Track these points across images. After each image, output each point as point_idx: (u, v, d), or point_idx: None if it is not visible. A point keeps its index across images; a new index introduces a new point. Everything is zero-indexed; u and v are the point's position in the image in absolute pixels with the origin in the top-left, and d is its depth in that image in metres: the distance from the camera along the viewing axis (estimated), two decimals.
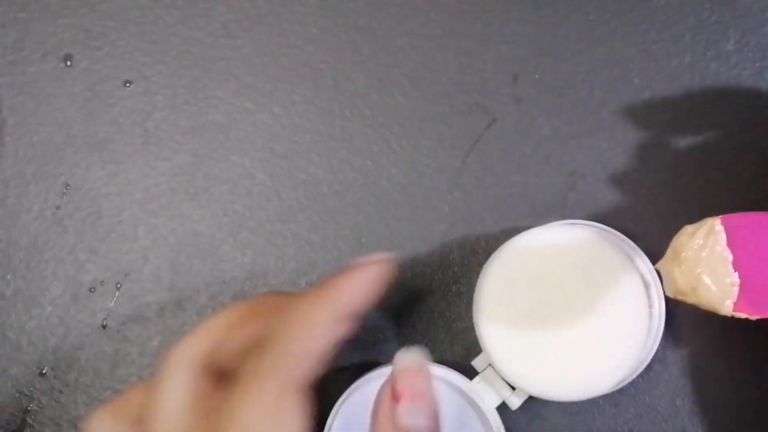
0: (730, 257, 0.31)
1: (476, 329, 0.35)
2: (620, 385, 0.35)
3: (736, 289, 0.31)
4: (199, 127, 0.39)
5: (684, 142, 0.38)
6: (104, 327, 0.39)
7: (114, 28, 0.40)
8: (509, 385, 0.35)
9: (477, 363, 0.36)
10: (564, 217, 0.38)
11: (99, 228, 0.39)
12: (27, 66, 0.40)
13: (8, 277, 0.39)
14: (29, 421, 0.38)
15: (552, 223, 0.36)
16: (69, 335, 0.38)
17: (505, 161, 0.39)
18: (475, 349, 0.36)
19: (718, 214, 0.31)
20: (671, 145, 0.38)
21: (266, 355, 0.29)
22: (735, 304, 0.31)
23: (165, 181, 0.39)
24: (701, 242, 0.31)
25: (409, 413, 0.29)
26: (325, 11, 0.40)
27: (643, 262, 0.35)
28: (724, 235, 0.31)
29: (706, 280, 0.31)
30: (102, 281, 0.39)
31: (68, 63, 0.40)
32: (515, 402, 0.35)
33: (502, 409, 0.35)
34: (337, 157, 0.39)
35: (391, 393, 0.29)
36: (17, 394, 0.38)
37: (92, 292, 0.39)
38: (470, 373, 0.36)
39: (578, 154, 0.38)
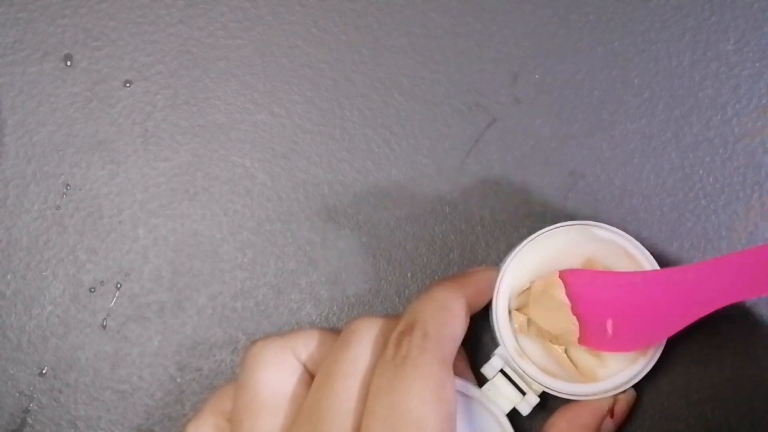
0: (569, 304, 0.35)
1: (494, 324, 0.35)
2: (629, 385, 0.35)
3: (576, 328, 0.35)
4: (199, 127, 0.39)
5: (685, 141, 0.38)
6: (104, 327, 0.39)
7: (114, 29, 0.40)
8: (520, 390, 0.35)
9: (486, 370, 0.36)
10: (564, 217, 0.38)
11: (99, 228, 0.39)
12: (27, 66, 0.40)
13: (8, 276, 0.39)
14: (29, 420, 0.38)
15: (568, 223, 0.36)
16: (69, 335, 0.38)
17: (505, 161, 0.39)
18: (482, 354, 0.36)
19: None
20: (672, 145, 0.38)
21: (423, 337, 0.31)
22: (579, 339, 0.35)
23: (165, 181, 0.39)
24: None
25: None
26: (325, 11, 0.40)
27: (647, 260, 0.35)
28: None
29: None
30: (102, 281, 0.39)
31: (68, 63, 0.40)
32: (526, 408, 0.35)
33: (513, 415, 0.35)
34: (337, 157, 0.39)
35: None
36: (17, 394, 0.38)
37: (92, 291, 0.39)
38: (478, 379, 0.35)
39: (578, 154, 0.38)
